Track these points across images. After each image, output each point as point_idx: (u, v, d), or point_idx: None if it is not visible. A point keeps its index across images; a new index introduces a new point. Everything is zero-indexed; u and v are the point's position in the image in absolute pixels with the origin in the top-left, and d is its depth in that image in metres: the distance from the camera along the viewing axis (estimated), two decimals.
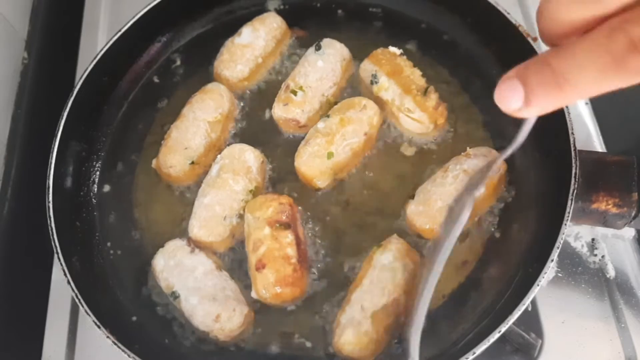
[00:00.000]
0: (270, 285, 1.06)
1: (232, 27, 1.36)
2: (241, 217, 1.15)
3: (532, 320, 1.19)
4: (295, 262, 1.08)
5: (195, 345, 1.10)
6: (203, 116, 1.23)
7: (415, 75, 1.23)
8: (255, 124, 1.30)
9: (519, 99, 0.54)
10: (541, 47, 1.15)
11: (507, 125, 1.22)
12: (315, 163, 1.17)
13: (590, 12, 0.50)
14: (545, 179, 1.13)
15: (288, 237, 1.09)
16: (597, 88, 0.50)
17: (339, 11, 1.41)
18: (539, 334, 1.18)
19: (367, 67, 1.26)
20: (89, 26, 1.65)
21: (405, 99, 1.20)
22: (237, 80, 1.31)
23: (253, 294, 1.10)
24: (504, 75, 0.56)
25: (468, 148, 1.18)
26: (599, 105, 1.43)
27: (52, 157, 1.17)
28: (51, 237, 1.10)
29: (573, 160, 1.04)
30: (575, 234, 1.29)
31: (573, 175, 1.03)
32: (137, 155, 1.30)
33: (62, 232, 1.12)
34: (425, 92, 1.20)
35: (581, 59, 0.49)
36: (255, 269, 1.08)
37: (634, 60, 0.47)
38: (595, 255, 1.26)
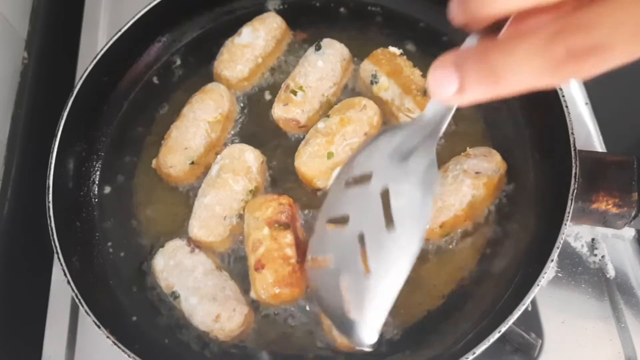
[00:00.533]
0: (269, 285, 1.06)
1: (232, 27, 1.36)
2: (241, 217, 1.15)
3: (532, 320, 1.19)
4: (295, 262, 1.07)
5: (195, 345, 1.10)
6: (203, 116, 1.23)
7: (415, 75, 1.23)
8: (255, 124, 1.30)
9: (453, 87, 0.55)
10: None
11: (507, 124, 1.23)
12: (315, 163, 1.17)
13: (529, 4, 0.52)
14: (545, 179, 1.13)
15: (287, 237, 1.09)
16: (529, 86, 0.53)
17: (339, 10, 1.41)
18: (539, 334, 1.18)
19: (367, 67, 1.27)
20: (89, 26, 1.65)
21: (405, 99, 1.20)
22: (237, 80, 1.31)
23: (252, 295, 1.10)
24: (439, 60, 0.57)
25: (468, 148, 1.18)
26: (599, 105, 1.43)
27: (52, 157, 1.17)
28: (51, 237, 1.10)
29: (573, 160, 1.04)
30: (575, 234, 1.29)
31: (573, 175, 1.03)
32: (137, 155, 1.30)
33: (62, 232, 1.12)
34: (425, 92, 1.20)
35: (520, 60, 0.51)
36: (254, 269, 1.08)
37: (569, 68, 0.50)
38: (595, 255, 1.26)
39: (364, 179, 0.80)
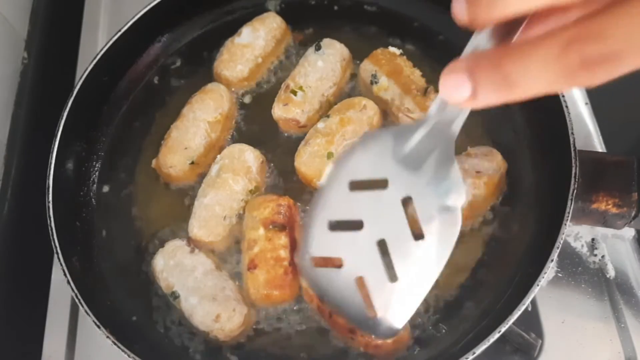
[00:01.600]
0: (260, 286, 1.06)
1: (232, 27, 1.36)
2: (241, 217, 1.16)
3: (532, 320, 1.19)
4: (287, 264, 1.07)
5: (195, 345, 1.09)
6: (203, 116, 1.24)
7: (415, 75, 1.23)
8: (255, 124, 1.30)
9: (466, 93, 0.55)
10: None
11: (507, 124, 1.23)
12: (315, 163, 1.17)
13: (540, 5, 0.50)
14: (545, 179, 1.13)
15: (282, 239, 1.09)
16: (542, 92, 0.52)
17: (339, 11, 1.41)
18: (539, 334, 1.18)
19: (367, 67, 1.27)
20: (89, 26, 1.65)
21: (405, 99, 1.20)
22: (237, 80, 1.31)
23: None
24: (452, 64, 0.56)
25: (469, 147, 1.18)
26: (599, 105, 1.43)
27: (52, 157, 1.17)
28: (51, 237, 1.10)
29: (573, 160, 1.04)
30: (575, 234, 1.29)
31: (573, 175, 1.03)
32: (137, 155, 1.30)
33: (62, 232, 1.11)
34: (425, 92, 1.20)
35: (534, 69, 0.51)
36: (247, 268, 1.08)
37: (583, 76, 0.49)
38: (595, 255, 1.26)
39: (377, 184, 0.76)
